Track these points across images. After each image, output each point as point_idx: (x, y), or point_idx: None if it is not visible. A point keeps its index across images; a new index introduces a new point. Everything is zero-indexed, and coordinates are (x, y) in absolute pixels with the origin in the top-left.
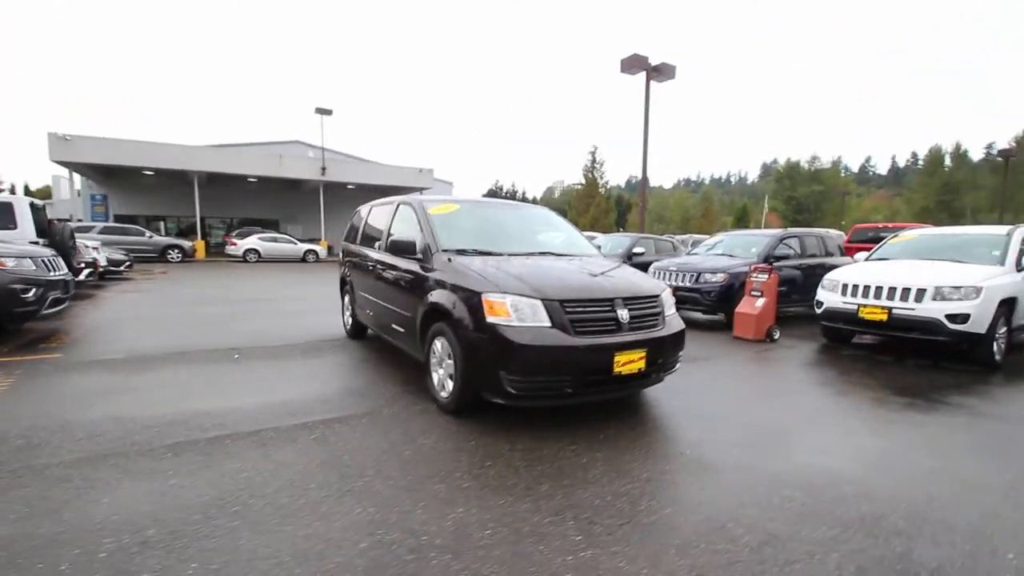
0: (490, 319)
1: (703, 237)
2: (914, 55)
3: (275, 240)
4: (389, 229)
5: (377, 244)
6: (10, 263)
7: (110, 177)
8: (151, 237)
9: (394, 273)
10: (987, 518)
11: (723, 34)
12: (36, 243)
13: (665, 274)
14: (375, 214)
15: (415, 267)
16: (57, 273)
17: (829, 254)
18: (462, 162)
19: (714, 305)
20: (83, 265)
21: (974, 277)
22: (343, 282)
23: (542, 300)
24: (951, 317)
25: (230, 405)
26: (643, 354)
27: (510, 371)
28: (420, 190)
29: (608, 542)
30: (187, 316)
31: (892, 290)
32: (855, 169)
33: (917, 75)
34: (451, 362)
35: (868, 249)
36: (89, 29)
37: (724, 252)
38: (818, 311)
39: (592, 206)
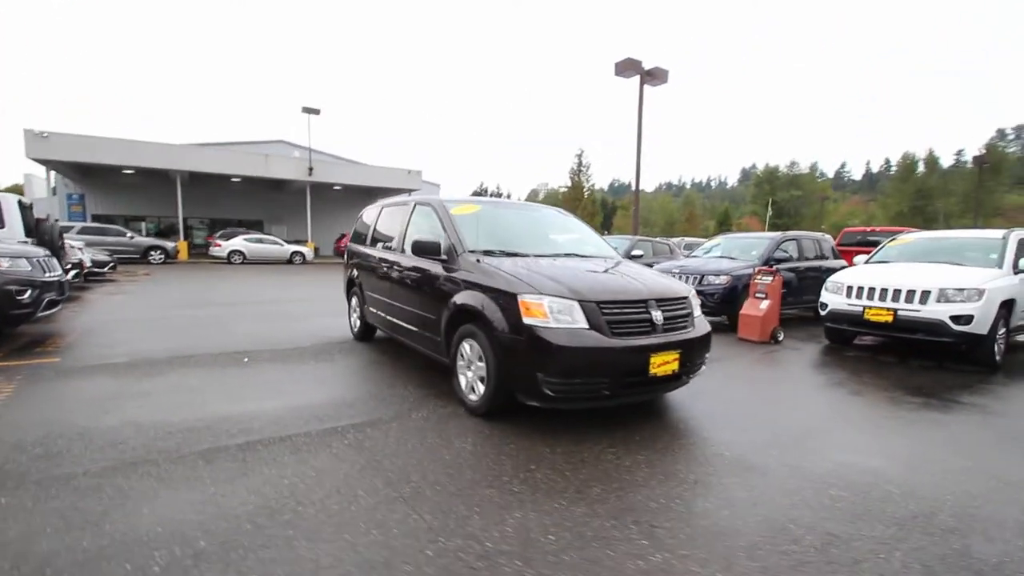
0: (527, 320)
1: (699, 240)
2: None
3: (261, 241)
4: (405, 230)
5: (392, 245)
6: (5, 263)
7: (88, 176)
8: (132, 238)
9: (413, 274)
10: None
11: (702, 41)
12: (25, 243)
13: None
14: (387, 215)
15: (437, 268)
16: (52, 274)
17: (824, 257)
18: (447, 163)
19: (717, 307)
20: (69, 266)
21: (976, 279)
22: (350, 284)
23: (579, 301)
24: (955, 319)
25: (251, 410)
26: (677, 355)
27: (548, 373)
28: (408, 191)
29: (674, 545)
30: (183, 319)
31: (897, 292)
32: (831, 175)
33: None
34: (482, 364)
35: (857, 252)
36: (63, 25)
37: (724, 255)
38: (823, 312)
39: (578, 208)
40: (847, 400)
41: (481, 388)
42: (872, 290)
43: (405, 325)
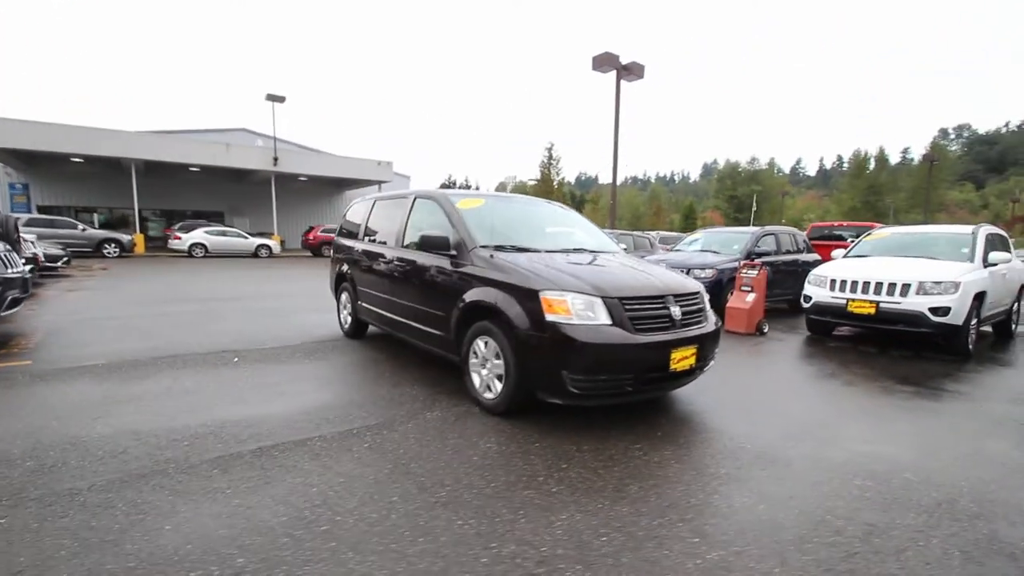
0: (550, 318)
1: (671, 235)
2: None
3: (224, 234)
4: (405, 224)
5: (390, 240)
6: None
7: (33, 164)
8: (84, 230)
9: (417, 270)
10: None
11: (662, 37)
12: None
13: None
14: (382, 209)
15: (444, 263)
16: (14, 270)
17: (799, 251)
18: (415, 155)
19: None
20: (24, 261)
21: (952, 273)
22: (339, 279)
23: (601, 298)
24: (934, 310)
25: (257, 413)
26: (695, 350)
27: (574, 370)
28: (379, 183)
29: (726, 542)
30: (155, 316)
31: (879, 285)
32: (787, 170)
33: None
34: (499, 362)
35: (825, 245)
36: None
37: (705, 249)
38: (806, 305)
39: None
40: (843, 391)
41: (498, 386)
42: (855, 283)
43: (407, 322)
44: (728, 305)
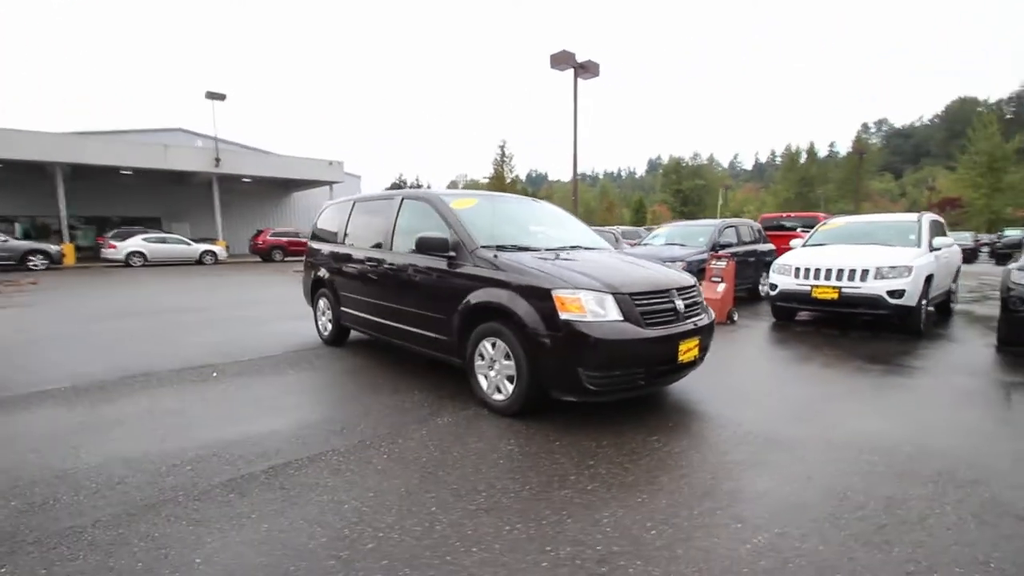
0: (564, 316)
1: (632, 229)
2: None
3: (164, 241)
4: (394, 226)
5: (377, 243)
6: None
7: None
8: (6, 241)
9: (410, 273)
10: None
11: (607, 35)
12: None
13: None
14: (363, 211)
15: (441, 265)
16: None
17: (757, 241)
18: (362, 154)
19: None
20: None
21: (904, 258)
22: (316, 285)
23: (613, 294)
24: (891, 293)
25: (256, 430)
26: (698, 341)
27: (589, 367)
28: (330, 184)
29: (766, 524)
30: (110, 332)
31: (840, 271)
32: (725, 164)
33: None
34: (509, 363)
35: (775, 236)
36: None
37: (669, 242)
38: (772, 292)
39: None
40: (823, 373)
41: (509, 387)
42: (818, 270)
43: (400, 327)
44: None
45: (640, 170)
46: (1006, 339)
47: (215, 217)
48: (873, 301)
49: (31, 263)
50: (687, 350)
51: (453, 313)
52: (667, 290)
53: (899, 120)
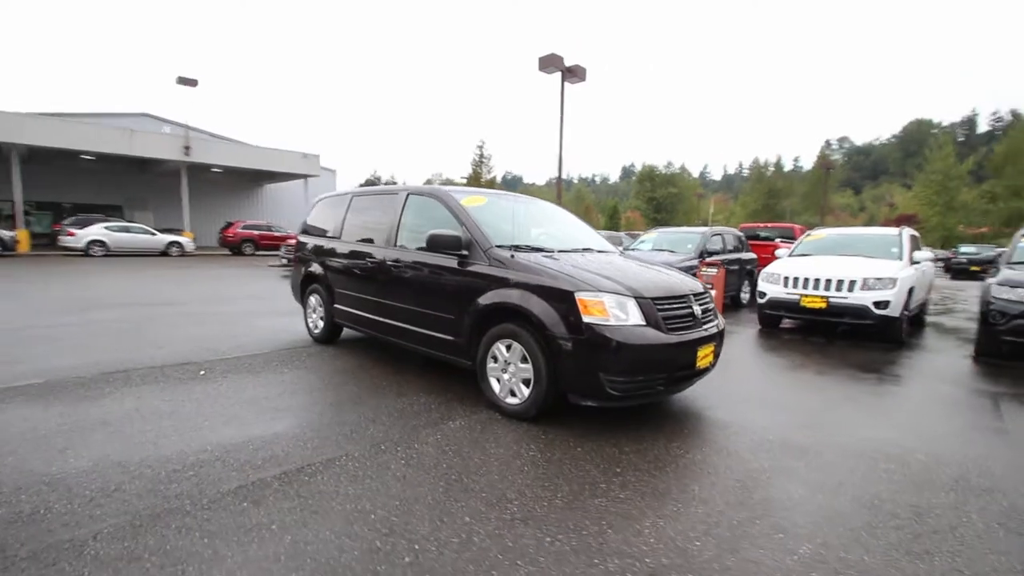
0: (587, 319)
1: (614, 234)
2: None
3: (127, 230)
4: (398, 223)
5: (379, 239)
6: None
7: None
8: None
9: (417, 271)
10: None
11: (580, 42)
12: None
13: None
14: (363, 207)
15: (452, 264)
16: None
17: (739, 249)
18: (335, 150)
19: None
20: None
21: (889, 270)
22: (307, 281)
23: (636, 298)
24: (876, 304)
25: (257, 433)
26: (713, 347)
27: (612, 372)
28: (305, 177)
29: (809, 535)
30: (80, 325)
31: (828, 282)
32: (696, 174)
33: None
34: (525, 366)
35: (756, 246)
36: None
37: (657, 248)
38: (761, 300)
39: None
40: (819, 380)
41: (525, 391)
42: (807, 280)
43: (404, 326)
44: None
45: (614, 176)
46: (984, 350)
47: (182, 207)
48: (859, 311)
49: None
50: (704, 356)
51: (464, 313)
52: (685, 295)
53: (859, 138)
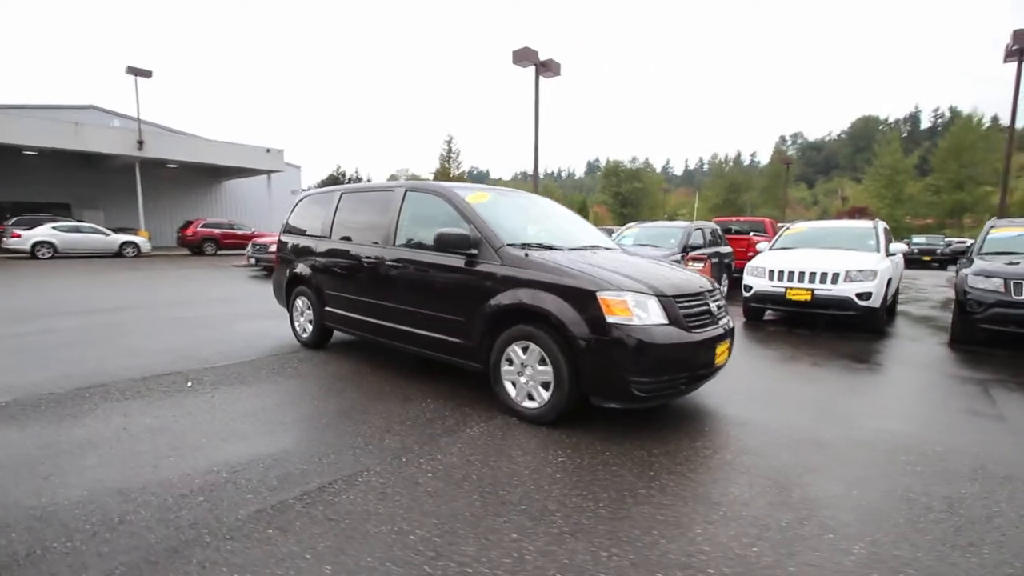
0: (611, 319)
1: None
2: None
3: (78, 230)
4: (397, 221)
5: (377, 238)
6: None
7: None
8: None
9: (421, 272)
10: None
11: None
12: None
13: None
14: (356, 204)
15: (458, 263)
16: None
17: (718, 243)
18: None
19: None
20: None
21: (869, 262)
22: (293, 282)
23: (657, 296)
24: (859, 295)
25: (265, 450)
26: (729, 343)
27: (637, 373)
28: (268, 173)
29: (859, 534)
30: (36, 335)
31: (813, 275)
32: (659, 169)
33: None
34: (544, 368)
35: (730, 238)
36: None
37: (638, 243)
38: (747, 294)
39: None
40: (816, 372)
41: (545, 395)
42: (792, 273)
43: (403, 329)
44: None
45: (579, 171)
46: (960, 338)
47: (136, 205)
48: (843, 303)
49: None
50: (722, 352)
51: (474, 315)
52: (702, 292)
53: (812, 134)
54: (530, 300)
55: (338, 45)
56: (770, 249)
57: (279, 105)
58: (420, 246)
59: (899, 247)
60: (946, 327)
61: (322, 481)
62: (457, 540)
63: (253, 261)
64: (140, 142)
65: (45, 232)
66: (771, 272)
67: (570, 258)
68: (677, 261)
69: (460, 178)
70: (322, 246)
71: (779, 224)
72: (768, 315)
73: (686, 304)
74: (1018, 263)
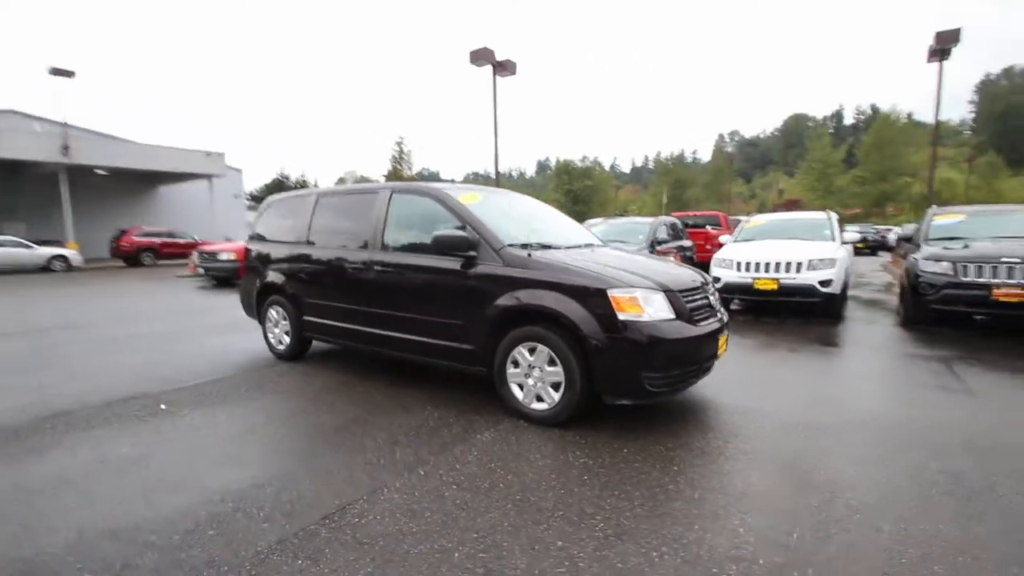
0: (622, 317)
1: None
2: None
3: None
4: (384, 224)
5: (362, 242)
6: None
7: None
8: None
9: (412, 276)
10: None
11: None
12: None
13: None
14: (335, 207)
15: (454, 266)
16: None
17: (679, 237)
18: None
19: None
20: None
21: (829, 250)
22: (266, 292)
23: (664, 292)
24: (822, 283)
25: (266, 472)
26: (727, 335)
27: (651, 368)
28: (209, 177)
29: (883, 511)
30: None
31: (778, 264)
32: (607, 167)
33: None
34: (555, 369)
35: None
36: None
37: (613, 239)
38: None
39: None
40: (794, 357)
41: (555, 396)
42: (759, 264)
43: (397, 336)
44: None
45: (530, 171)
46: (913, 319)
47: (63, 215)
48: (808, 290)
49: None
50: (723, 344)
51: (476, 318)
52: (700, 286)
53: (748, 131)
54: (538, 301)
55: (279, 45)
56: (734, 241)
57: (217, 107)
58: (411, 248)
59: (852, 236)
60: (894, 309)
61: (341, 502)
62: (503, 554)
63: (201, 271)
64: (65, 147)
65: None
66: (738, 263)
67: (573, 257)
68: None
69: (413, 178)
70: (299, 252)
71: (732, 218)
72: (734, 305)
73: (689, 298)
74: (967, 247)
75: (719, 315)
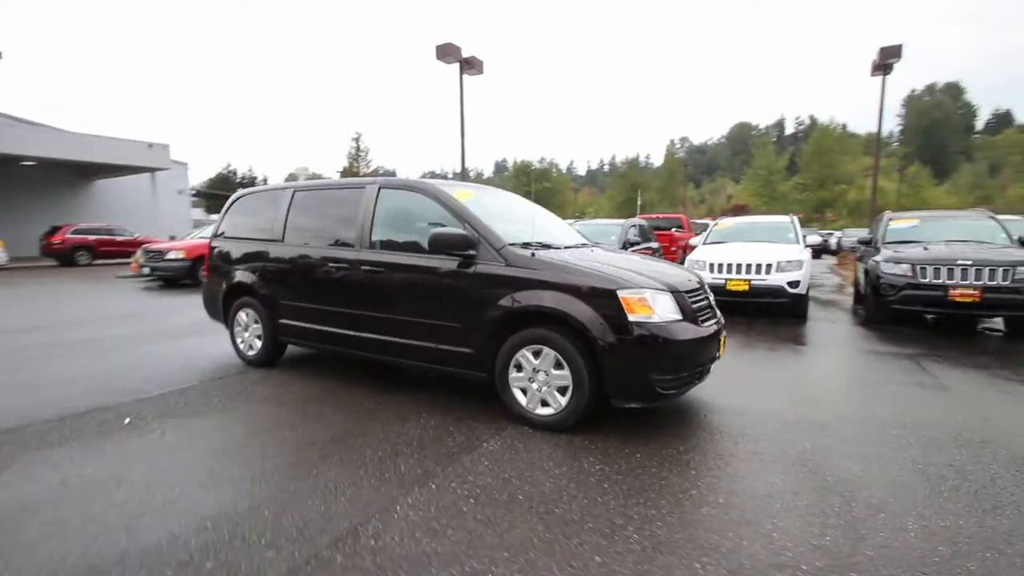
0: (633, 318)
1: None
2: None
3: None
4: (371, 222)
5: (343, 241)
6: None
7: None
8: None
9: (408, 275)
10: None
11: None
12: None
13: None
14: (314, 203)
15: (450, 266)
16: None
17: (649, 239)
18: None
19: None
20: None
21: (795, 252)
22: (234, 293)
23: (672, 293)
24: (790, 284)
25: (260, 491)
26: (724, 334)
27: (661, 370)
28: (152, 171)
29: (904, 509)
30: None
31: (749, 266)
32: (564, 169)
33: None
34: (561, 372)
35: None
36: None
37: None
38: None
39: None
40: (774, 356)
41: (562, 400)
42: (730, 265)
43: (386, 339)
44: None
45: (488, 171)
46: (874, 318)
47: None
48: (777, 291)
49: None
50: (723, 343)
51: (475, 320)
52: (701, 287)
53: (697, 138)
54: (544, 302)
55: (228, 32)
56: (703, 244)
57: (160, 96)
58: (403, 247)
59: (814, 239)
60: (850, 309)
61: (351, 523)
62: (540, 573)
63: (146, 271)
64: None
65: None
66: (711, 265)
67: (576, 256)
68: None
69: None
70: (273, 251)
71: (694, 221)
72: None
73: (694, 299)
74: (927, 250)
75: (718, 316)
